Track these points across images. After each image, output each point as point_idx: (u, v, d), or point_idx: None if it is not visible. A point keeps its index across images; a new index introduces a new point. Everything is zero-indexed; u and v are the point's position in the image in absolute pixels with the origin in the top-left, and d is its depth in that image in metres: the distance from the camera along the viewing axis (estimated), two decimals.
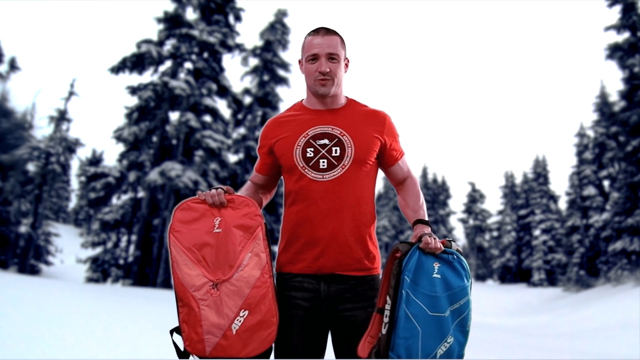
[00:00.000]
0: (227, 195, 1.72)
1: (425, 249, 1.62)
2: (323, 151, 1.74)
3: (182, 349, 1.66)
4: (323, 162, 1.73)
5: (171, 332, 1.67)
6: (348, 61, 1.85)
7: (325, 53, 1.75)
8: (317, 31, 1.79)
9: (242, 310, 1.63)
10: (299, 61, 1.84)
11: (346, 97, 1.89)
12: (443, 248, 1.64)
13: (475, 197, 47.01)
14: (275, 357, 1.74)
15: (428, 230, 1.71)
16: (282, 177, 1.89)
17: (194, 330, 1.62)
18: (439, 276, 1.62)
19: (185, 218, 1.70)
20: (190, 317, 1.63)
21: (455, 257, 1.65)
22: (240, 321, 1.62)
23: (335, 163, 1.73)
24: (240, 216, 1.71)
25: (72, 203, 50.05)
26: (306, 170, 1.74)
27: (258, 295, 1.65)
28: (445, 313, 1.60)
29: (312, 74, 1.78)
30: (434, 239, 1.62)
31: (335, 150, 1.74)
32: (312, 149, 1.75)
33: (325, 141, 1.76)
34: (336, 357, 1.76)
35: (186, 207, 1.72)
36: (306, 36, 1.81)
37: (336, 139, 1.76)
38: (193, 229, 1.69)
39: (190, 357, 1.68)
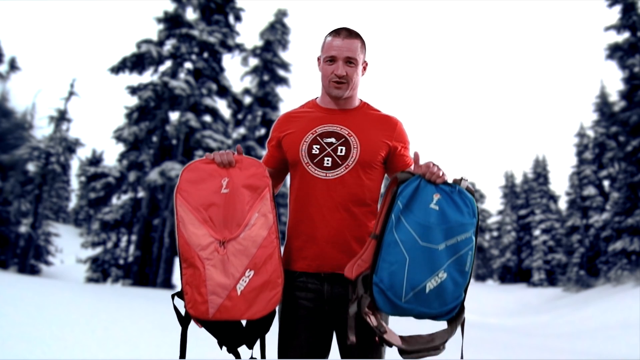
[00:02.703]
0: (236, 156, 1.72)
1: (425, 173, 1.58)
2: (329, 149, 1.74)
3: (183, 314, 1.64)
4: (327, 160, 1.73)
5: (173, 296, 1.65)
6: (366, 64, 1.84)
7: (344, 57, 1.75)
8: (338, 32, 1.78)
9: (248, 270, 1.61)
10: (318, 59, 1.84)
11: (360, 100, 1.88)
12: (445, 179, 1.60)
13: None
14: (279, 357, 1.74)
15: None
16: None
17: (197, 291, 1.59)
18: (436, 207, 1.57)
19: (192, 178, 1.68)
20: (194, 278, 1.60)
21: (457, 190, 1.60)
22: (245, 281, 1.60)
23: (340, 162, 1.73)
24: (248, 176, 1.70)
25: (72, 203, 50.01)
26: (310, 166, 1.74)
27: (264, 255, 1.63)
28: (438, 246, 1.54)
29: (328, 75, 1.77)
30: (438, 168, 1.59)
31: (341, 149, 1.74)
32: (318, 146, 1.75)
33: (332, 140, 1.75)
34: (342, 358, 1.75)
35: (194, 168, 1.70)
36: (327, 35, 1.80)
37: (343, 139, 1.75)
38: (200, 189, 1.67)
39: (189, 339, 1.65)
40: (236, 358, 1.67)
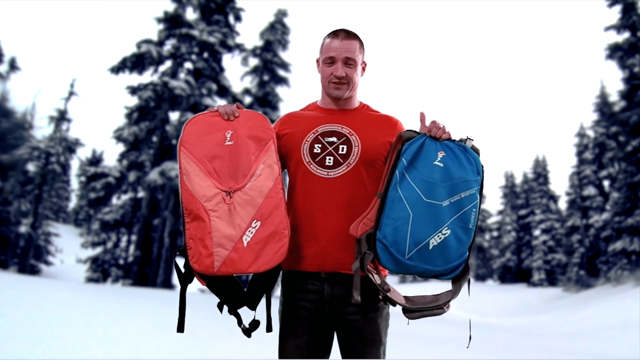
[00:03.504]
0: (240, 110, 1.73)
1: (431, 129, 1.61)
2: (330, 148, 1.75)
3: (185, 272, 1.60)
4: (329, 159, 1.74)
5: (175, 253, 1.63)
6: (365, 65, 1.86)
7: (343, 57, 1.76)
8: (336, 34, 1.79)
9: (255, 220, 1.59)
10: (317, 60, 1.85)
11: (360, 101, 1.90)
12: (450, 136, 1.62)
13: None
14: (279, 358, 1.74)
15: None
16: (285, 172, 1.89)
17: (202, 244, 1.55)
18: (441, 164, 1.58)
19: (196, 131, 1.67)
20: (198, 231, 1.56)
21: (462, 148, 1.61)
22: (252, 232, 1.58)
23: (341, 161, 1.74)
24: (252, 127, 1.70)
25: (72, 203, 49.99)
26: (311, 165, 1.75)
27: (271, 205, 1.62)
28: (442, 202, 1.55)
29: (327, 77, 1.79)
30: (444, 125, 1.61)
31: (342, 148, 1.75)
32: (319, 145, 1.76)
33: (334, 139, 1.77)
34: (342, 359, 1.76)
35: (197, 121, 1.69)
36: (325, 37, 1.82)
37: (344, 138, 1.77)
38: (204, 141, 1.65)
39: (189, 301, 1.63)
40: (237, 320, 1.64)
